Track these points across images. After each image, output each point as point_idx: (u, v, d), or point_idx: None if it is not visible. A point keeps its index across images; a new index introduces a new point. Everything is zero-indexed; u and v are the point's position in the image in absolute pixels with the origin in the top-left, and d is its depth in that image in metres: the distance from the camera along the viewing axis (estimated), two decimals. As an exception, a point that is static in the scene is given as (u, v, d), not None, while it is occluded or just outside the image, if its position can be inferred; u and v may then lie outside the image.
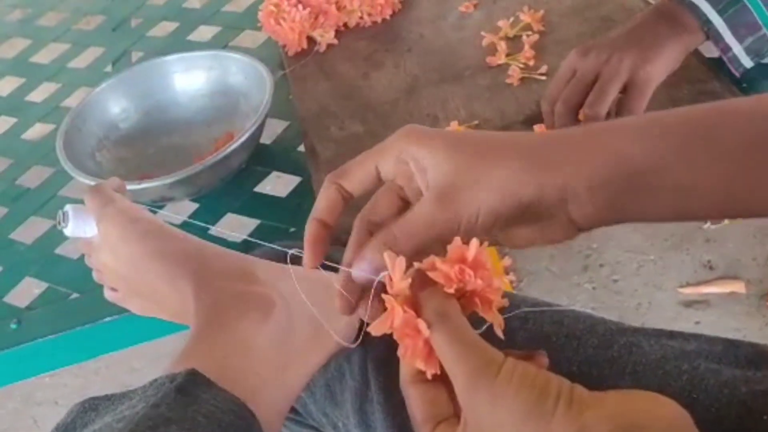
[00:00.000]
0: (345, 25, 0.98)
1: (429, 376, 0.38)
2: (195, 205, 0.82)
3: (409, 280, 0.38)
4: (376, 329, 0.38)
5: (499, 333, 0.39)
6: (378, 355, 0.56)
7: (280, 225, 0.76)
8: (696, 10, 0.69)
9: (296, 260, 0.45)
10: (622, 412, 0.32)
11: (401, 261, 0.38)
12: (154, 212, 0.60)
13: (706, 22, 0.69)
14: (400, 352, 0.38)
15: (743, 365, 0.49)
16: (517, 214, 0.40)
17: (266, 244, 0.56)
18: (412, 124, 0.43)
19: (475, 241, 0.38)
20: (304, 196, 0.78)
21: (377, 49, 0.94)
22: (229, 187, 0.82)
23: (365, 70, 0.91)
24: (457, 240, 0.39)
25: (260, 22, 0.97)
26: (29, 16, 1.30)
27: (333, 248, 0.44)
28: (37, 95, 1.09)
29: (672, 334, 0.53)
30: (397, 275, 0.38)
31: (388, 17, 0.98)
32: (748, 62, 0.70)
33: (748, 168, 0.39)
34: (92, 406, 0.43)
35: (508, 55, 0.85)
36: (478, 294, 0.39)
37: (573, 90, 0.69)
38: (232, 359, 0.46)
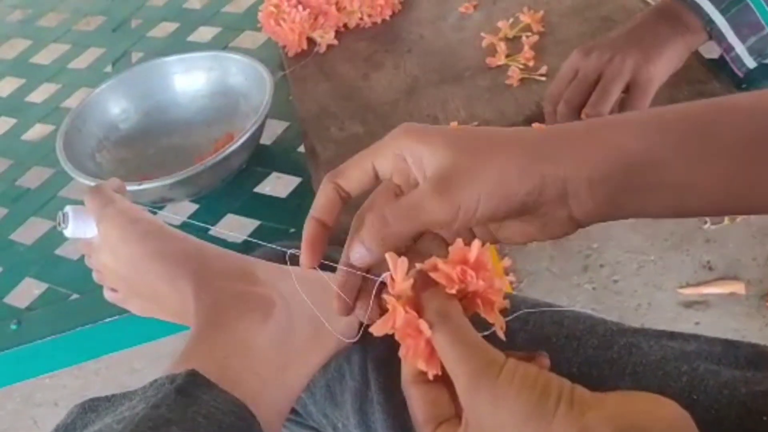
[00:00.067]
0: (345, 25, 0.98)
1: (430, 376, 0.38)
2: (195, 206, 0.82)
3: (411, 280, 0.38)
4: (377, 329, 0.38)
5: (501, 334, 0.39)
6: (378, 356, 0.56)
7: (280, 226, 0.76)
8: (698, 9, 0.69)
9: (295, 260, 0.44)
10: (623, 413, 0.32)
11: (403, 261, 0.38)
12: (154, 213, 0.60)
13: (709, 21, 0.69)
14: (401, 353, 0.38)
15: (743, 366, 0.49)
16: (517, 207, 0.40)
17: (266, 244, 0.56)
18: (409, 122, 0.43)
19: (477, 242, 0.38)
20: (304, 196, 0.78)
21: (377, 50, 0.94)
22: (229, 187, 0.82)
23: (365, 71, 0.91)
24: (459, 241, 0.39)
25: (260, 23, 0.97)
26: (29, 16, 1.30)
27: (332, 248, 0.44)
28: (37, 96, 1.10)
29: (672, 335, 0.53)
30: (399, 276, 0.38)
31: (387, 18, 0.98)
32: (751, 62, 0.70)
33: (748, 164, 0.39)
34: (92, 407, 0.43)
35: (507, 55, 0.85)
36: (479, 295, 0.39)
37: (575, 90, 0.69)
38: (233, 360, 0.46)
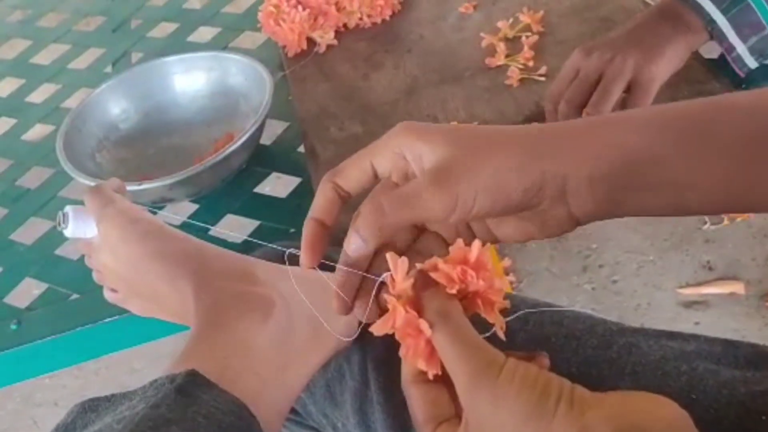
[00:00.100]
0: (345, 26, 0.98)
1: (430, 376, 0.38)
2: (195, 206, 0.82)
3: (412, 280, 0.38)
4: (378, 329, 0.38)
5: (501, 334, 0.39)
6: (378, 356, 0.56)
7: (279, 226, 0.76)
8: (699, 9, 0.69)
9: (294, 260, 0.44)
10: (623, 412, 0.32)
11: (403, 261, 0.39)
12: (154, 213, 0.60)
13: (710, 21, 0.69)
14: (401, 353, 0.38)
15: (742, 366, 0.49)
16: (515, 203, 0.40)
17: (266, 244, 0.56)
18: (407, 120, 0.43)
19: (477, 243, 0.38)
20: (303, 196, 0.78)
21: (377, 50, 0.94)
22: (229, 187, 0.82)
23: (365, 71, 0.91)
24: (460, 241, 0.39)
25: (260, 23, 0.97)
26: (29, 17, 1.30)
27: (332, 248, 0.44)
28: (38, 96, 1.10)
29: (671, 335, 0.53)
30: (400, 275, 0.38)
31: (387, 18, 0.98)
32: (752, 62, 0.70)
33: (747, 163, 0.38)
34: (92, 407, 0.43)
35: (507, 56, 0.85)
36: (480, 295, 0.39)
37: (576, 90, 0.69)
38: (232, 359, 0.46)
